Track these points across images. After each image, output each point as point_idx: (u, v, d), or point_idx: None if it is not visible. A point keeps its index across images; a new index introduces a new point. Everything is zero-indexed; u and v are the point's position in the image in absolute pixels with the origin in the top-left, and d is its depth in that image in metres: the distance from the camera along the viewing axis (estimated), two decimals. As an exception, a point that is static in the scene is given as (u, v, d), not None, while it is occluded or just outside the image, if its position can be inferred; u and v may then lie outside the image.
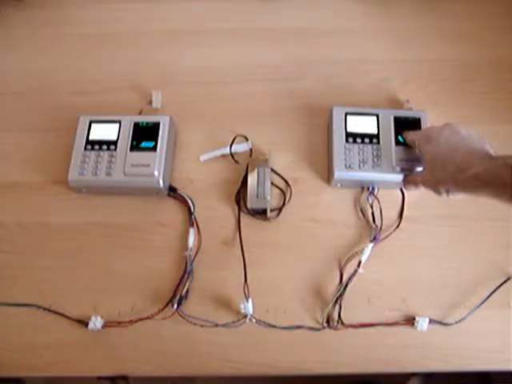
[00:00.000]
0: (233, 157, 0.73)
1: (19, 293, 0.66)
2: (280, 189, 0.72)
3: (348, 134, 0.70)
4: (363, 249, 0.65)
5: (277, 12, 0.87)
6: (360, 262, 0.65)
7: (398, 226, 0.69)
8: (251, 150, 0.74)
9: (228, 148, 0.73)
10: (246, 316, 0.62)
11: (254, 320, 0.63)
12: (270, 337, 0.64)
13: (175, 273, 0.67)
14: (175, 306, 0.63)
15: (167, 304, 0.65)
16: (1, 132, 0.78)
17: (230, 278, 0.65)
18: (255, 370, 0.63)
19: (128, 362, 0.64)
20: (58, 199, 0.72)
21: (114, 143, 0.71)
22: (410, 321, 0.64)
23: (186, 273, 0.66)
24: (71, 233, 0.70)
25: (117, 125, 0.72)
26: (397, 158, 0.68)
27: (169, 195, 0.72)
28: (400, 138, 0.69)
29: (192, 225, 0.69)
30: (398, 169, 0.67)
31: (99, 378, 0.78)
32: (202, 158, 0.74)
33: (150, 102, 0.78)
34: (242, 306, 0.62)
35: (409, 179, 0.66)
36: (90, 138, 0.72)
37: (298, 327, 0.64)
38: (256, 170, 0.70)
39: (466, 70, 0.81)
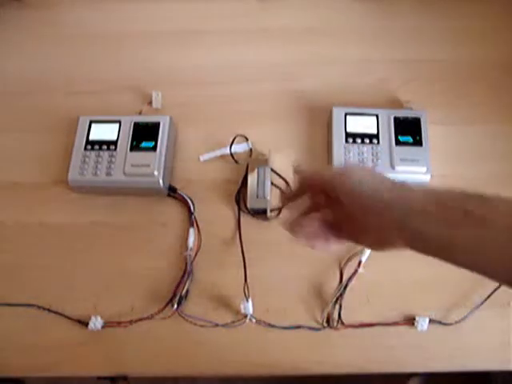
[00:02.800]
0: (233, 157, 0.73)
1: (19, 293, 0.66)
2: (280, 189, 0.72)
3: (348, 134, 0.70)
4: (363, 249, 0.65)
5: (277, 12, 0.87)
6: (360, 262, 0.64)
7: (397, 226, 0.69)
8: (251, 150, 0.74)
9: (228, 148, 0.73)
10: (246, 316, 0.62)
11: (253, 320, 0.63)
12: (270, 337, 0.64)
13: (175, 273, 0.67)
14: (175, 306, 0.63)
15: (167, 304, 0.64)
16: (1, 132, 0.78)
17: (230, 278, 0.65)
18: (255, 370, 0.63)
19: (128, 361, 0.64)
20: (57, 199, 0.72)
21: (114, 143, 0.71)
22: (410, 321, 0.64)
23: (185, 273, 0.66)
24: (71, 233, 0.70)
25: (117, 125, 0.72)
26: (396, 158, 0.68)
27: (169, 195, 0.72)
28: (400, 137, 0.69)
29: (192, 225, 0.69)
30: (398, 169, 0.67)
31: (99, 378, 0.78)
32: (202, 157, 0.74)
33: (150, 102, 0.78)
34: (242, 306, 0.62)
35: None
36: (90, 138, 0.72)
37: (298, 327, 0.64)
38: (256, 170, 0.70)
39: (466, 69, 0.81)
